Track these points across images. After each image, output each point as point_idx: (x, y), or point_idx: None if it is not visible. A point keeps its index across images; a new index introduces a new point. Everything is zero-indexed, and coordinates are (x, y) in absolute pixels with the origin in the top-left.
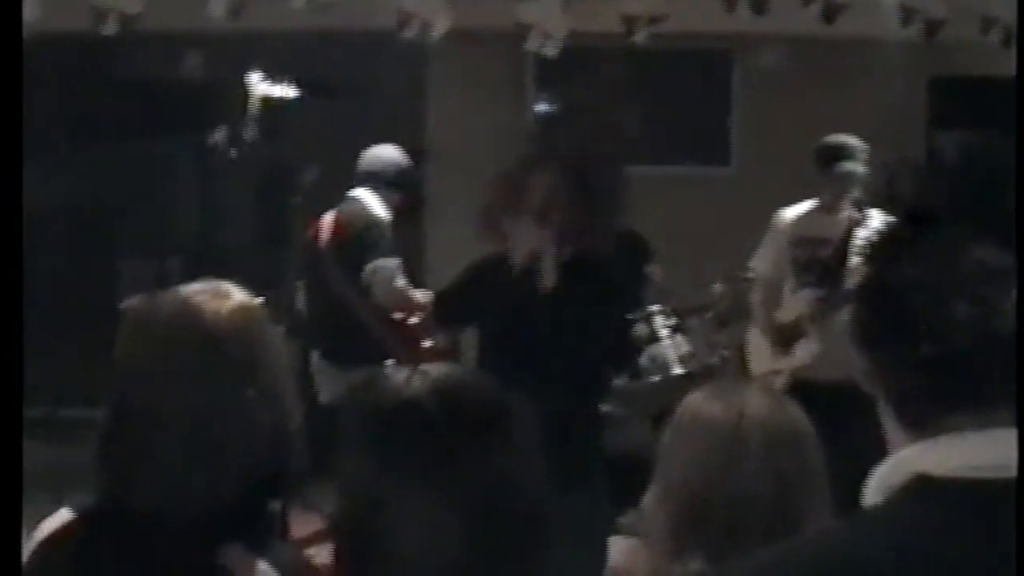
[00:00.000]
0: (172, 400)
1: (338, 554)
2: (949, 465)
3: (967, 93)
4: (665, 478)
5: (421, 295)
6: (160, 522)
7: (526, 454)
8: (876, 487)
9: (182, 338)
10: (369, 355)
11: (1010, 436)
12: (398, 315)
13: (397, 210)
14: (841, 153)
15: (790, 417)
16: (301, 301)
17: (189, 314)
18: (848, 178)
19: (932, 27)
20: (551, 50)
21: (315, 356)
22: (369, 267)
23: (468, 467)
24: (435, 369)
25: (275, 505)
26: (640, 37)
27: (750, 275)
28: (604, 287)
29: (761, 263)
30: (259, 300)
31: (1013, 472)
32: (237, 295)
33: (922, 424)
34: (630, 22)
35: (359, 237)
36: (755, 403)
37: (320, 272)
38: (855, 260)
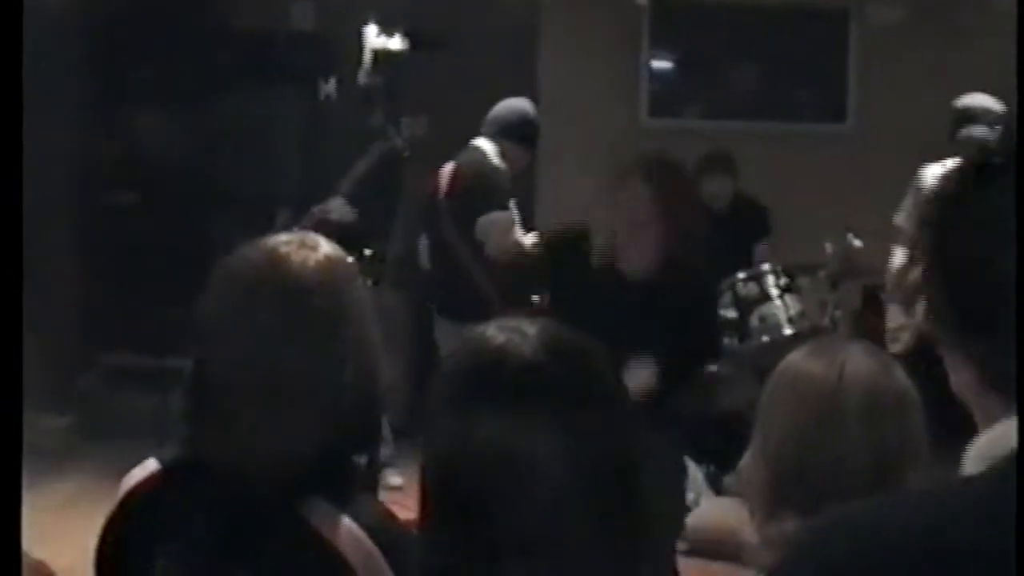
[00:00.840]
0: (255, 352)
1: (425, 509)
2: None
3: None
4: (763, 438)
5: (528, 238)
6: (243, 475)
7: (630, 409)
8: (976, 457)
9: (266, 289)
10: (483, 311)
11: None
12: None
13: (517, 163)
14: (967, 116)
15: (894, 380)
16: (424, 257)
17: (274, 265)
18: (972, 144)
19: None
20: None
21: (435, 312)
22: (483, 219)
23: (571, 422)
24: (533, 327)
25: (361, 460)
26: None
27: (855, 241)
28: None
29: (902, 219)
30: (368, 252)
31: None
32: (324, 247)
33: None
34: None
35: (475, 188)
36: (857, 363)
37: (438, 225)
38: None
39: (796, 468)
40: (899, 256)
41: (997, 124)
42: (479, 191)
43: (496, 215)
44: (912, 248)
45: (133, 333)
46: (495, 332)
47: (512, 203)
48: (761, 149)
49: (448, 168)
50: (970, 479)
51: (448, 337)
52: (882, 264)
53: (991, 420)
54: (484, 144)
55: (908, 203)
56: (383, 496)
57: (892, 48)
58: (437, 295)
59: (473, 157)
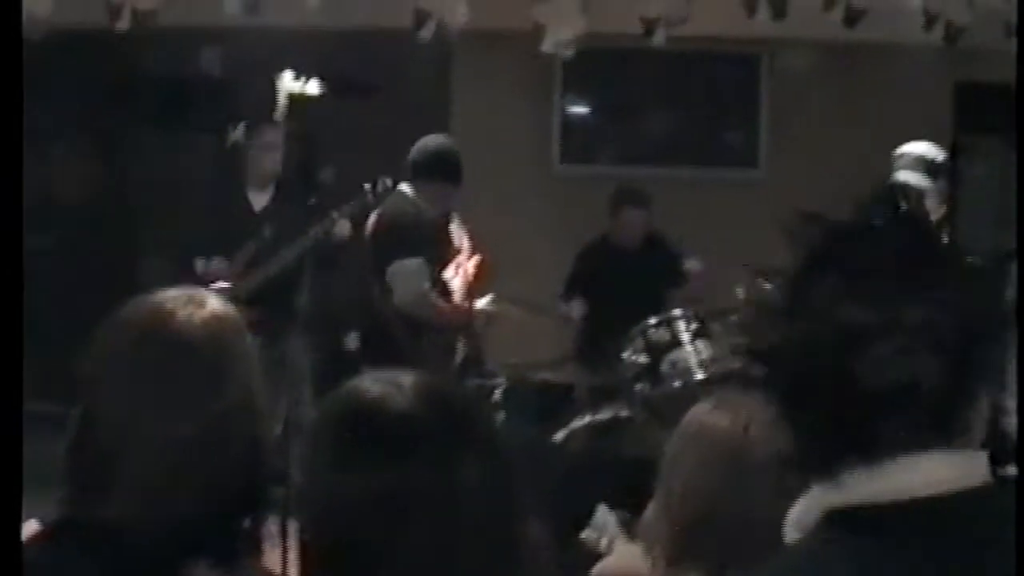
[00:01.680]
0: (139, 410)
1: (306, 562)
2: (854, 497)
3: (992, 99)
4: (668, 488)
5: (485, 302)
6: (126, 536)
7: (503, 457)
8: (793, 527)
9: (149, 345)
10: (402, 358)
11: (907, 463)
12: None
13: (442, 202)
14: (898, 164)
15: None
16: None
17: (158, 321)
18: (900, 190)
19: (954, 32)
20: (566, 52)
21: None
22: (391, 267)
23: (449, 472)
24: (408, 378)
25: (247, 520)
26: (658, 39)
27: (767, 286)
28: None
29: None
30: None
31: (913, 494)
32: (212, 303)
33: (819, 470)
34: (648, 24)
35: (389, 235)
36: (762, 416)
37: (358, 273)
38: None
39: (701, 521)
40: None
41: (928, 172)
42: (392, 238)
43: (404, 263)
44: None
45: (43, 379)
46: (370, 384)
47: (422, 261)
48: (673, 194)
49: (373, 216)
50: (793, 548)
51: None
52: None
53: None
54: (405, 188)
55: None
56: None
57: (803, 94)
58: (360, 343)
59: (392, 203)
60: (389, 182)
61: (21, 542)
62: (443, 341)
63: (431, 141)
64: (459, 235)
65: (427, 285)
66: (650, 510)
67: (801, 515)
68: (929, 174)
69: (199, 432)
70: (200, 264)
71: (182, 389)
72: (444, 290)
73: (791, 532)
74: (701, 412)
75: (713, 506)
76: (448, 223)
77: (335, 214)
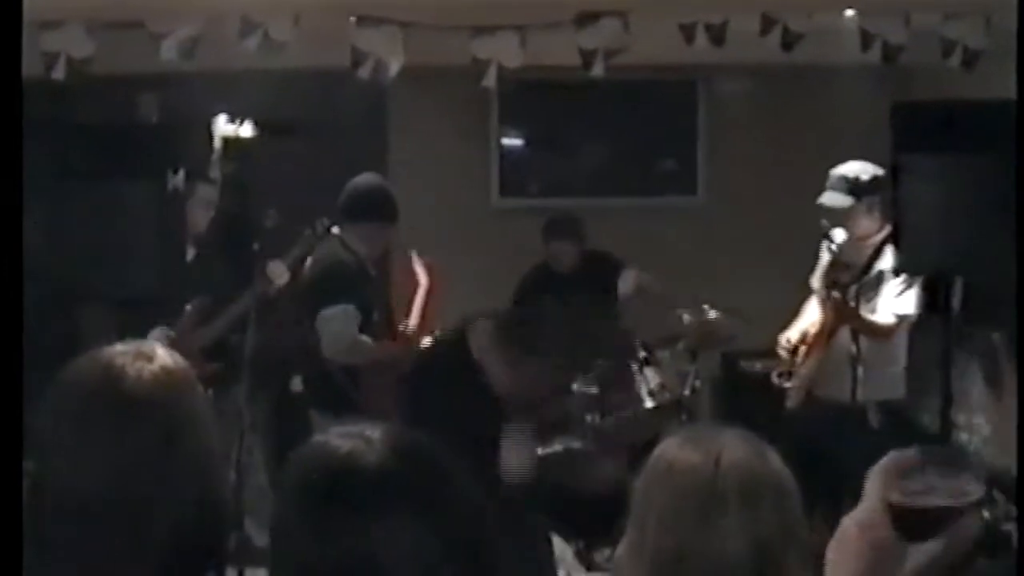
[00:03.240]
0: (90, 470)
1: None
2: None
3: (930, 118)
4: (638, 528)
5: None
6: None
7: (477, 506)
8: None
9: (99, 404)
10: (341, 400)
11: None
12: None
13: (375, 243)
14: (829, 184)
15: (770, 467)
16: (249, 345)
17: (108, 378)
18: (826, 210)
19: (892, 52)
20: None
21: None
22: (319, 316)
23: (424, 525)
24: (376, 431)
25: None
26: (597, 70)
27: (711, 312)
28: None
29: (814, 280)
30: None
31: None
32: (161, 357)
33: None
34: (587, 55)
35: (316, 282)
36: (734, 451)
37: (294, 314)
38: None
39: (674, 558)
40: (809, 313)
41: (852, 191)
42: (319, 286)
43: (329, 312)
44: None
45: None
46: (340, 440)
47: (350, 308)
48: (614, 224)
49: (308, 261)
50: None
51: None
52: (739, 333)
53: None
54: (336, 231)
55: (822, 263)
56: None
57: (740, 118)
58: (303, 386)
59: (322, 249)
60: (326, 222)
61: (21, 538)
62: (385, 382)
63: (360, 181)
64: (418, 270)
65: (354, 332)
66: (622, 547)
67: None
68: (853, 193)
69: (154, 491)
70: (158, 332)
71: (134, 448)
72: (387, 330)
73: None
74: (671, 447)
75: (688, 542)
76: (386, 262)
77: (277, 263)
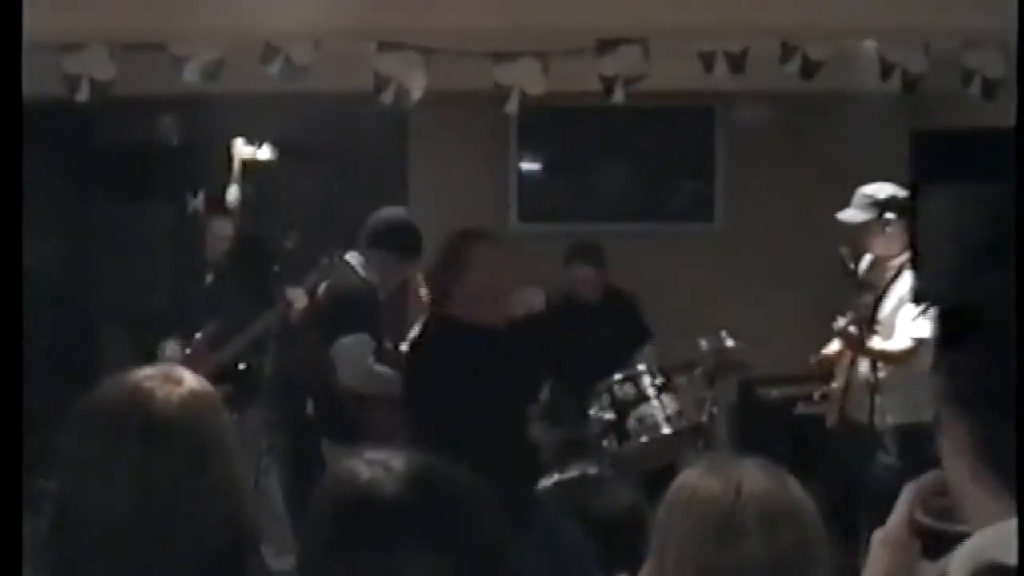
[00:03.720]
0: (118, 494)
1: None
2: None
3: (949, 146)
4: (660, 556)
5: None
6: None
7: (496, 536)
8: (956, 570)
9: (129, 426)
10: (350, 427)
11: None
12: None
13: (392, 274)
14: (852, 202)
15: (790, 495)
16: (269, 368)
17: (137, 401)
18: (849, 226)
19: (911, 80)
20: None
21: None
22: (335, 345)
23: (439, 557)
24: (399, 460)
25: None
26: (618, 96)
27: (729, 339)
28: None
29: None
30: (242, 367)
31: None
32: (189, 380)
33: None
34: (607, 81)
35: (331, 308)
36: (754, 481)
37: (310, 339)
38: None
39: None
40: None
41: (872, 206)
42: (334, 312)
43: (344, 342)
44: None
45: None
46: (361, 468)
47: (366, 338)
48: (632, 249)
49: (321, 287)
50: None
51: (331, 457)
52: (756, 359)
53: (982, 514)
54: (351, 258)
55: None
56: None
57: (759, 145)
58: (318, 417)
59: (337, 275)
60: (342, 251)
61: (22, 538)
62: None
63: (386, 212)
64: (420, 287)
65: (370, 360)
66: (642, 575)
67: (965, 562)
68: (870, 210)
69: (181, 514)
70: (169, 348)
71: (164, 470)
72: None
73: (960, 569)
74: (691, 477)
75: (707, 570)
76: (404, 293)
77: (296, 290)
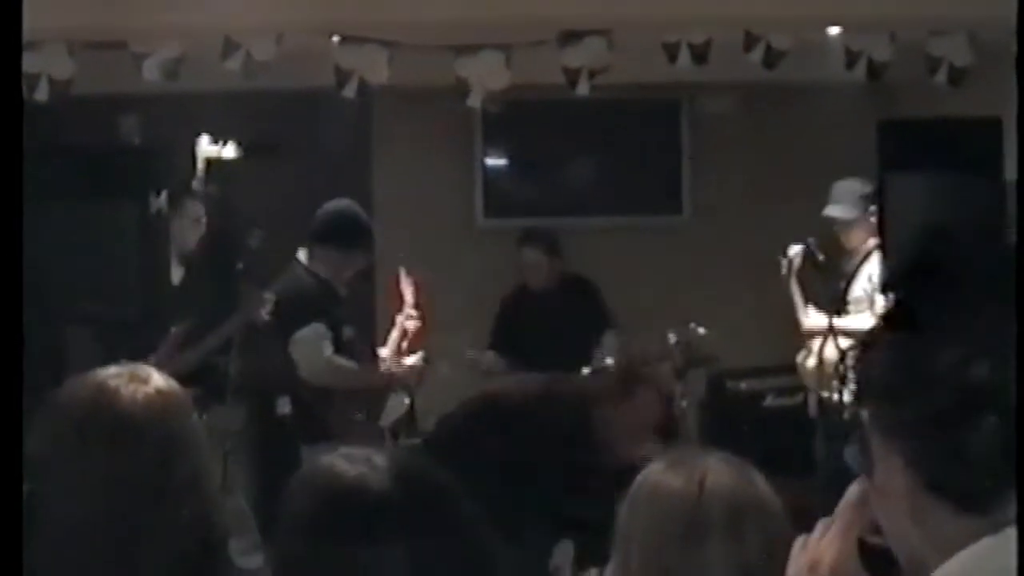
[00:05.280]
0: (85, 492)
1: None
2: (992, 573)
3: (915, 135)
4: (624, 553)
5: (415, 358)
6: None
7: (480, 528)
8: None
9: (95, 426)
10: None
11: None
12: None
13: (342, 269)
14: (830, 197)
15: (755, 489)
16: (235, 367)
17: (103, 400)
18: (829, 222)
19: (877, 69)
20: (492, 107)
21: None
22: (292, 340)
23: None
24: (382, 457)
25: None
26: (582, 89)
27: (698, 331)
28: None
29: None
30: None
31: None
32: (156, 379)
33: (982, 508)
34: (571, 74)
35: (284, 306)
36: (718, 475)
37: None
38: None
39: None
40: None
41: (856, 203)
42: (288, 310)
43: (302, 334)
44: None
45: None
46: (345, 465)
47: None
48: (599, 243)
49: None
50: None
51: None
52: (725, 352)
53: (942, 546)
54: (301, 255)
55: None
56: None
57: (723, 137)
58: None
59: (288, 273)
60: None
61: (21, 538)
62: (360, 405)
63: (329, 206)
64: (405, 289)
65: (327, 351)
66: (608, 571)
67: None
68: (855, 205)
69: (149, 513)
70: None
71: (129, 470)
72: (365, 351)
73: None
74: (654, 472)
75: (671, 566)
76: (361, 283)
77: (266, 293)
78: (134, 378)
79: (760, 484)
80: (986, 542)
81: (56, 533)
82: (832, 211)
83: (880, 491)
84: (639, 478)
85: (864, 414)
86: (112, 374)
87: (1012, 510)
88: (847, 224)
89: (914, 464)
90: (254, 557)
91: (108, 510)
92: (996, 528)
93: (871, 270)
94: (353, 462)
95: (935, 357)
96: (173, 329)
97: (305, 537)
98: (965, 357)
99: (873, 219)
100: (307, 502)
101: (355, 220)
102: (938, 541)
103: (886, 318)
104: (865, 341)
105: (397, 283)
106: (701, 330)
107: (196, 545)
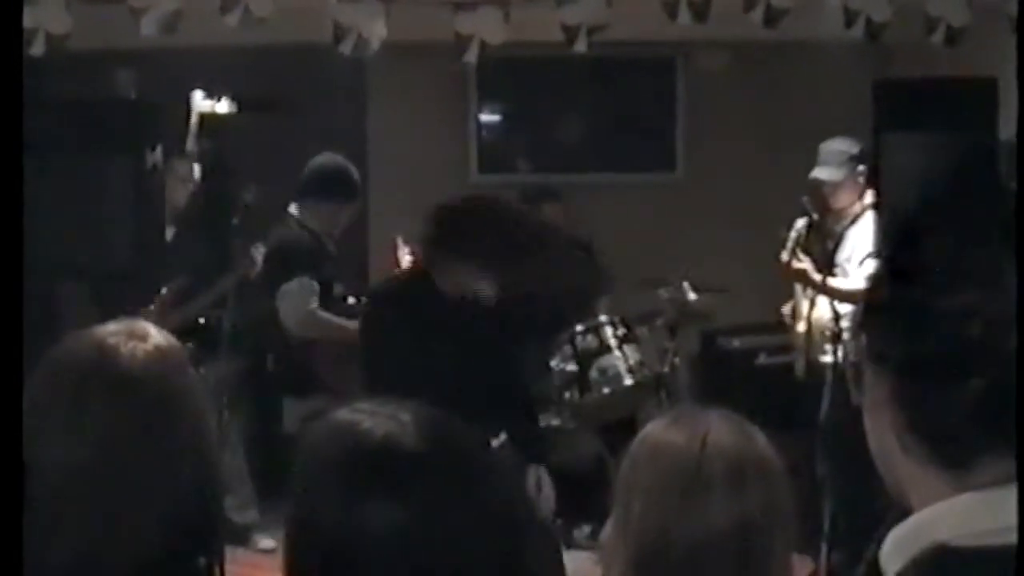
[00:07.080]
0: (85, 452)
1: None
2: (970, 531)
3: (911, 95)
4: (624, 510)
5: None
6: None
7: (510, 484)
8: (894, 553)
9: (94, 383)
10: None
11: None
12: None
13: (332, 221)
14: (819, 159)
15: (757, 448)
16: (228, 322)
17: (102, 357)
18: (814, 184)
19: (875, 29)
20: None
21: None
22: (279, 292)
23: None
24: (406, 413)
25: (202, 559)
26: (580, 46)
27: (690, 290)
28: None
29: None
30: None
31: None
32: (154, 336)
33: (963, 464)
34: (569, 31)
35: (273, 259)
36: (719, 433)
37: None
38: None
39: (659, 541)
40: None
41: (841, 164)
42: (276, 262)
43: (288, 286)
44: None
45: None
46: (372, 423)
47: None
48: (593, 199)
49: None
50: None
51: (290, 411)
52: (718, 309)
53: (918, 492)
54: (292, 209)
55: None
56: (256, 560)
57: (719, 95)
58: (273, 370)
59: (280, 226)
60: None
61: (21, 541)
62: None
63: (317, 160)
64: (402, 256)
65: (313, 304)
66: (606, 532)
67: (905, 543)
68: (842, 167)
69: (149, 470)
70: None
71: (131, 427)
72: (355, 308)
73: (889, 560)
74: (656, 429)
75: (673, 525)
76: (342, 241)
77: (257, 246)
78: (133, 335)
79: (761, 441)
80: (966, 498)
81: (54, 491)
82: (820, 173)
83: (870, 416)
84: (641, 434)
85: (862, 339)
86: (110, 331)
87: (998, 473)
88: (834, 186)
89: (899, 400)
90: (249, 512)
91: (108, 468)
92: (979, 488)
93: (859, 231)
94: (377, 418)
95: (932, 308)
96: (164, 288)
97: (333, 497)
98: (962, 312)
99: (861, 179)
100: (331, 460)
101: (342, 173)
102: (916, 484)
103: (882, 277)
104: (866, 300)
105: (395, 249)
106: (692, 289)
107: (194, 501)
